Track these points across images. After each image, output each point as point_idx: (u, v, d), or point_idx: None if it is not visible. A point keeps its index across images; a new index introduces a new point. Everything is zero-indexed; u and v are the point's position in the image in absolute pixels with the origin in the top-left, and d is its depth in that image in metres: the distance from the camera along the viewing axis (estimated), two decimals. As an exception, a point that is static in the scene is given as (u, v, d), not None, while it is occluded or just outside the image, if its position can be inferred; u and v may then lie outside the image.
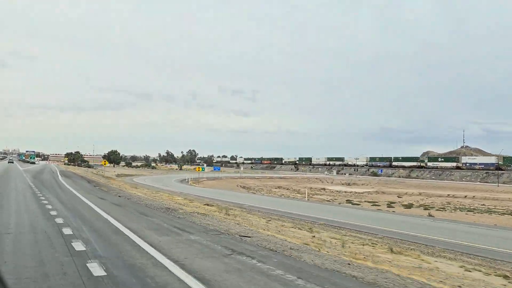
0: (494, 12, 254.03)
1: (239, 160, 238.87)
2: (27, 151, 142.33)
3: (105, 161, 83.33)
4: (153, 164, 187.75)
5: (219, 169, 76.88)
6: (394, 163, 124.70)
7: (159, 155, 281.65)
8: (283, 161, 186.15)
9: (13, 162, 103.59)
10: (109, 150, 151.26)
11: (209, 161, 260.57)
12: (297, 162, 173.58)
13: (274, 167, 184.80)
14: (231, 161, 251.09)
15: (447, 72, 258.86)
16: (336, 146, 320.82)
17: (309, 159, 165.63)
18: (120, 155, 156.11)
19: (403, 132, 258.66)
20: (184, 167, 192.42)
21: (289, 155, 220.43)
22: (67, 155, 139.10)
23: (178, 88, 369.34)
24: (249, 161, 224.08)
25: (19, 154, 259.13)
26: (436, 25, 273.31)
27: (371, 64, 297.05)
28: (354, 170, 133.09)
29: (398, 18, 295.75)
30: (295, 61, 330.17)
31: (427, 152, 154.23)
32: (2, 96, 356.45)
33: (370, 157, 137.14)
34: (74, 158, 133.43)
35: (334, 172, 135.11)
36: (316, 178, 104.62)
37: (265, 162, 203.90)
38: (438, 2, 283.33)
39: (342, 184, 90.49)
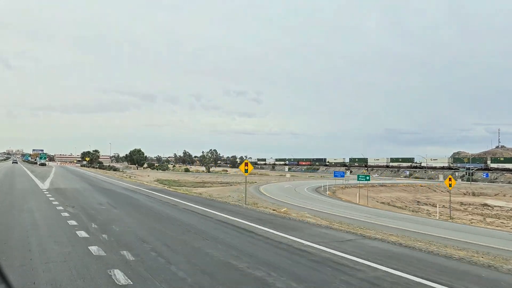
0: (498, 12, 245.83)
1: (269, 161, 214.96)
2: (34, 150, 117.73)
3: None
4: (172, 165, 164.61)
5: (343, 175, 52.90)
6: (493, 165, 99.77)
7: (175, 155, 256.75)
8: (327, 162, 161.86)
9: (17, 163, 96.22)
10: (132, 149, 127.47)
11: (233, 161, 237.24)
12: (346, 163, 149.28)
13: (318, 169, 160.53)
14: (258, 162, 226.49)
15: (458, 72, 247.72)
16: (354, 147, 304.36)
17: (364, 160, 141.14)
18: (145, 155, 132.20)
19: (408, 133, 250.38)
20: (213, 169, 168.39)
21: (296, 155, 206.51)
22: (85, 154, 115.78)
23: (182, 89, 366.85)
24: (282, 162, 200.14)
25: (23, 155, 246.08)
26: (443, 25, 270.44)
27: (378, 64, 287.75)
28: (433, 172, 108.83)
29: (404, 19, 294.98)
30: (299, 63, 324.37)
31: (458, 153, 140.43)
32: (6, 97, 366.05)
33: (454, 157, 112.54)
34: (92, 159, 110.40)
35: (407, 173, 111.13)
36: (423, 185, 79.90)
37: (303, 163, 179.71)
38: (443, 2, 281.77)
39: (465, 194, 66.59)
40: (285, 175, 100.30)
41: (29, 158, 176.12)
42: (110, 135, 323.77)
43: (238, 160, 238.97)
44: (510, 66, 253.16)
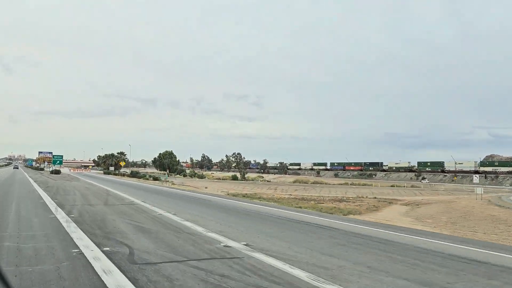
0: (499, 13, 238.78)
1: (305, 165, 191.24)
2: (40, 153, 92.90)
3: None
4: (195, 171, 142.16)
5: None
6: None
7: (191, 160, 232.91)
8: (385, 167, 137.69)
9: (18, 168, 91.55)
10: (163, 152, 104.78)
11: (263, 166, 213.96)
12: (413, 168, 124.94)
13: (374, 175, 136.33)
14: (290, 167, 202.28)
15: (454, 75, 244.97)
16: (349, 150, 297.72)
17: (440, 164, 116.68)
18: (177, 159, 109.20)
19: (409, 136, 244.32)
20: (249, 175, 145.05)
21: (294, 159, 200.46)
22: (106, 157, 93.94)
23: (183, 93, 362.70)
24: (322, 167, 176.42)
25: (25, 160, 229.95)
26: (442, 27, 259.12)
27: (377, 67, 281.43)
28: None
29: (404, 21, 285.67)
30: (300, 65, 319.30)
31: (491, 156, 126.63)
32: (8, 102, 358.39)
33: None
34: (117, 163, 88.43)
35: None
36: None
37: (351, 168, 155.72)
38: (445, 4, 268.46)
39: None
40: (355, 184, 76.82)
41: (33, 164, 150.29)
42: (112, 140, 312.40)
43: (268, 164, 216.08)
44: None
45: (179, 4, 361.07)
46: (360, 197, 44.19)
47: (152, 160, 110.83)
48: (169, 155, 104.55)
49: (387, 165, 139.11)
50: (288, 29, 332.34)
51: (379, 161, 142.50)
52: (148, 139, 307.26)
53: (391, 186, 74.51)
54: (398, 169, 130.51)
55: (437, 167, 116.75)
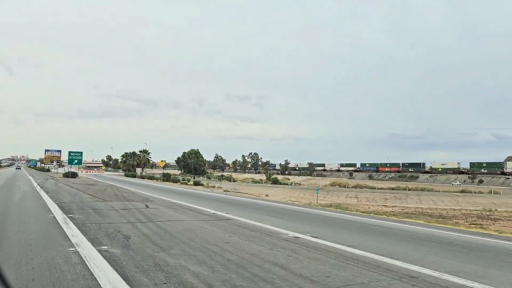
0: (503, 15, 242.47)
1: (331, 166, 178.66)
2: (47, 151, 73.92)
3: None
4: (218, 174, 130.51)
5: None
6: None
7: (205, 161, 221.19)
8: (429, 168, 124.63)
9: (20, 169, 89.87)
10: (188, 150, 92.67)
11: (285, 167, 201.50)
12: (463, 169, 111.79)
13: (417, 177, 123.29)
14: (317, 168, 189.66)
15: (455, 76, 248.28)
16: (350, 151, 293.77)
17: (499, 165, 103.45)
18: (204, 159, 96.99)
19: (412, 137, 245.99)
20: (274, 176, 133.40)
21: (297, 160, 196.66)
22: (126, 157, 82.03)
23: (184, 94, 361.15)
24: (352, 168, 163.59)
25: (28, 160, 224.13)
26: (444, 29, 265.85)
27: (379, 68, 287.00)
28: None
29: (405, 23, 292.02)
30: (302, 67, 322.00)
31: None
32: (10, 103, 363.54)
33: None
34: (139, 163, 76.70)
35: None
36: None
37: (386, 169, 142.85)
38: (446, 6, 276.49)
39: None
40: (425, 190, 64.21)
41: (37, 164, 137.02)
42: (114, 141, 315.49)
43: (290, 165, 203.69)
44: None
45: (181, 5, 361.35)
46: (489, 210, 31.97)
47: (175, 160, 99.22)
48: (195, 154, 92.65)
49: (429, 166, 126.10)
50: (291, 30, 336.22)
51: (420, 162, 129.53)
52: (152, 139, 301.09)
53: (489, 192, 62.04)
54: (445, 171, 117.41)
55: (495, 168, 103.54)
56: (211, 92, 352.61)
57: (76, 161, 48.39)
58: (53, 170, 77.57)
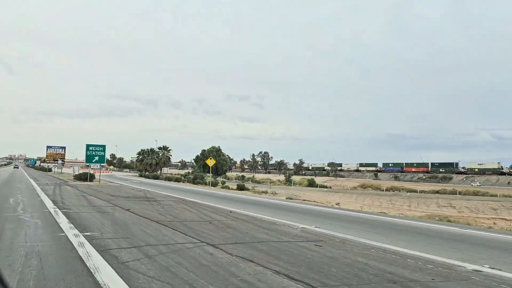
0: (503, 15, 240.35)
1: (349, 166, 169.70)
2: (50, 148, 64.46)
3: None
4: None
5: None
6: None
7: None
8: (463, 168, 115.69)
9: (18, 168, 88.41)
10: (207, 148, 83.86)
11: (299, 167, 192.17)
12: (505, 170, 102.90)
13: (450, 178, 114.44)
14: (327, 168, 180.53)
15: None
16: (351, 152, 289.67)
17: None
18: (226, 157, 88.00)
19: (411, 138, 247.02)
20: (294, 177, 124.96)
21: (294, 160, 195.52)
22: (143, 154, 72.82)
23: (184, 94, 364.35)
24: (371, 168, 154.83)
25: (26, 159, 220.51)
26: (444, 30, 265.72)
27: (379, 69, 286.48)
28: None
29: (406, 24, 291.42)
30: (302, 67, 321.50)
31: None
32: (9, 103, 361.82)
33: None
34: (158, 162, 67.78)
35: None
36: None
37: (412, 169, 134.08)
38: (447, 6, 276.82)
39: None
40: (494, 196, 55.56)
41: (36, 163, 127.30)
42: (115, 140, 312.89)
43: (304, 165, 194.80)
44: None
45: (180, 5, 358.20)
46: None
47: (193, 159, 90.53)
48: (216, 152, 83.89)
49: (463, 167, 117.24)
50: (291, 30, 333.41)
51: (453, 161, 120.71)
52: (152, 139, 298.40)
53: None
54: (483, 171, 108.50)
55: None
56: (211, 92, 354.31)
57: (97, 158, 37.44)
58: (56, 170, 65.20)
